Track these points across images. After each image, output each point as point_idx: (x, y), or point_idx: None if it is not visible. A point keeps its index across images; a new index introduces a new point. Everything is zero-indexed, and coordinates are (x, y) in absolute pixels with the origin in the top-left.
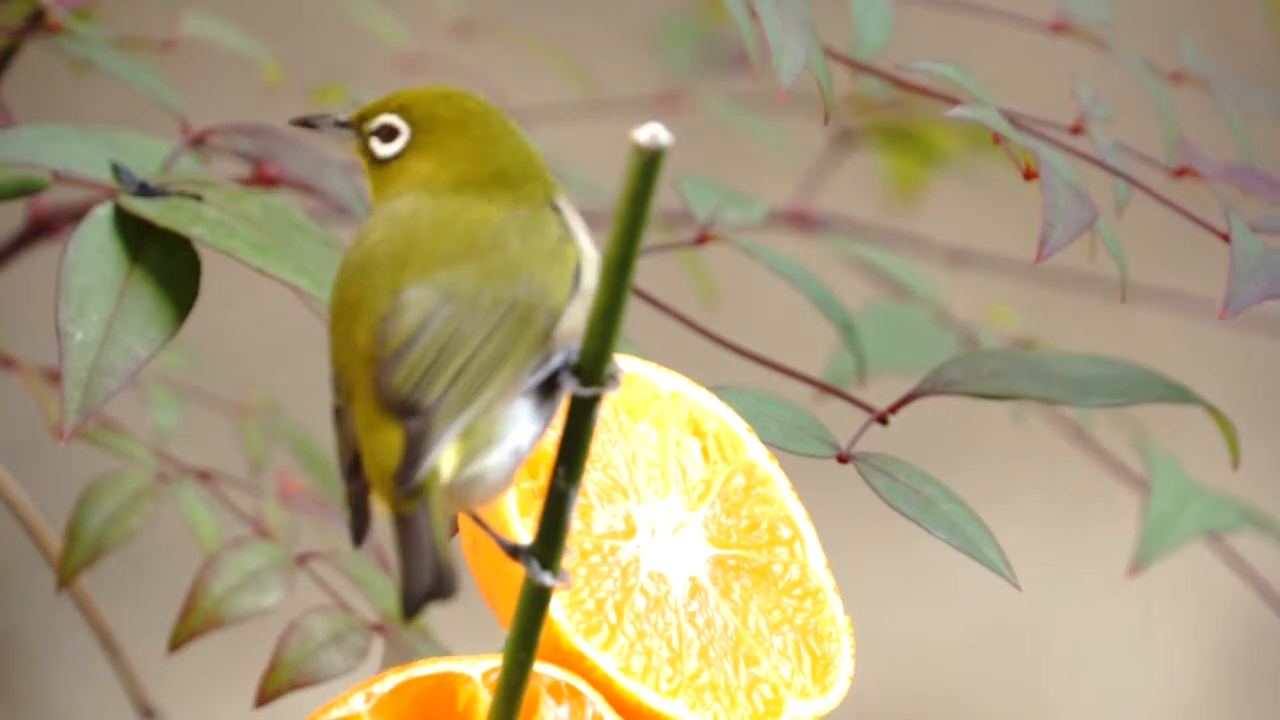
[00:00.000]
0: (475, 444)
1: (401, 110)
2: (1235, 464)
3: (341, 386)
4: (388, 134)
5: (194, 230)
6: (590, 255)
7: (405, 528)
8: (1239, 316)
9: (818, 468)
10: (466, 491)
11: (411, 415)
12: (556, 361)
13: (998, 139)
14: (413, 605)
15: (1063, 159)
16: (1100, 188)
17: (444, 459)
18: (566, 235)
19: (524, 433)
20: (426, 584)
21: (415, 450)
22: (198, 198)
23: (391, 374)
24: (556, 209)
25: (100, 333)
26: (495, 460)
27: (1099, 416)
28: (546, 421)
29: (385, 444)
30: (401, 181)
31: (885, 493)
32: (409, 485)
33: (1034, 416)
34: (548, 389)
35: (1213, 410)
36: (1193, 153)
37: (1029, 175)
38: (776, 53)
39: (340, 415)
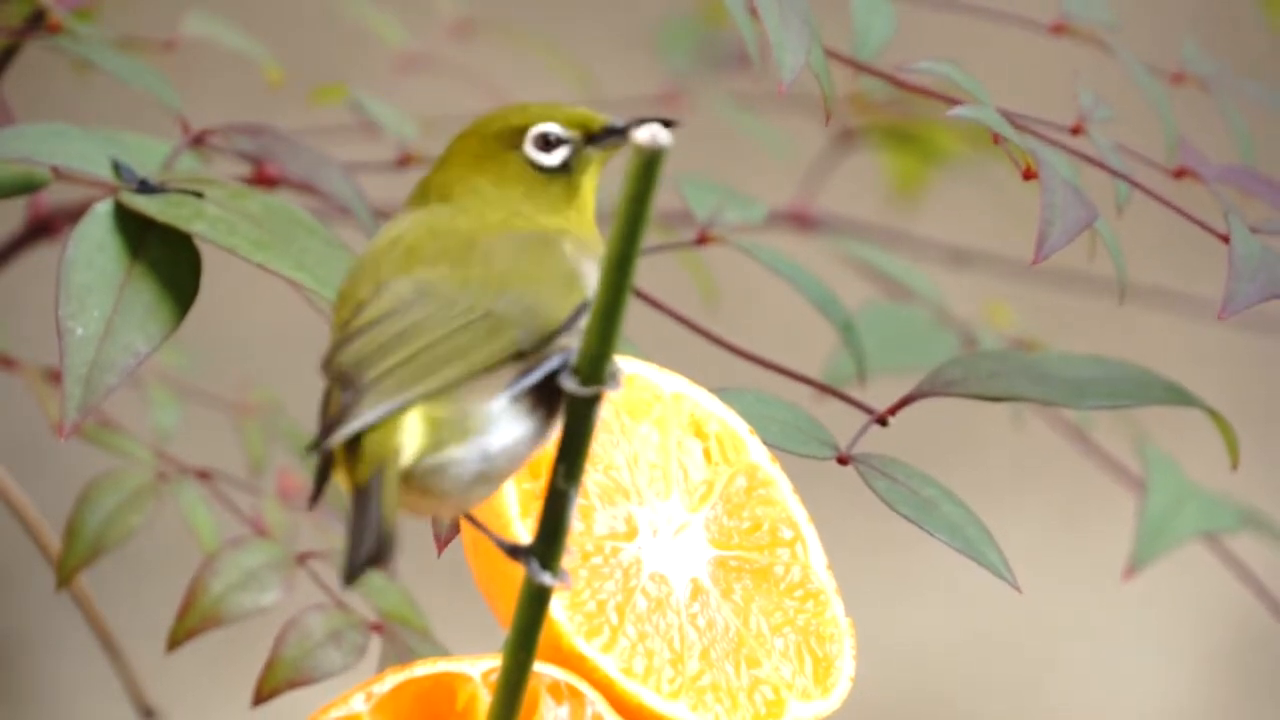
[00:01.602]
0: (444, 435)
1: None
2: (1234, 465)
3: (323, 370)
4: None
5: (195, 227)
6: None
7: (357, 498)
8: (1238, 317)
9: (819, 469)
10: (430, 481)
11: (347, 388)
12: (552, 363)
13: (997, 139)
14: (352, 571)
15: (1062, 159)
16: (1100, 189)
17: (408, 441)
18: (576, 273)
19: (500, 435)
20: (367, 551)
21: (338, 418)
22: (198, 195)
23: (343, 351)
24: (571, 248)
25: (101, 328)
26: (461, 455)
27: (1098, 418)
28: (537, 429)
29: (330, 414)
30: (423, 184)
31: (885, 494)
32: (323, 448)
33: (1033, 418)
34: (544, 397)
35: (1211, 412)
36: (1193, 154)
37: (1028, 175)
38: (777, 49)
39: (324, 396)
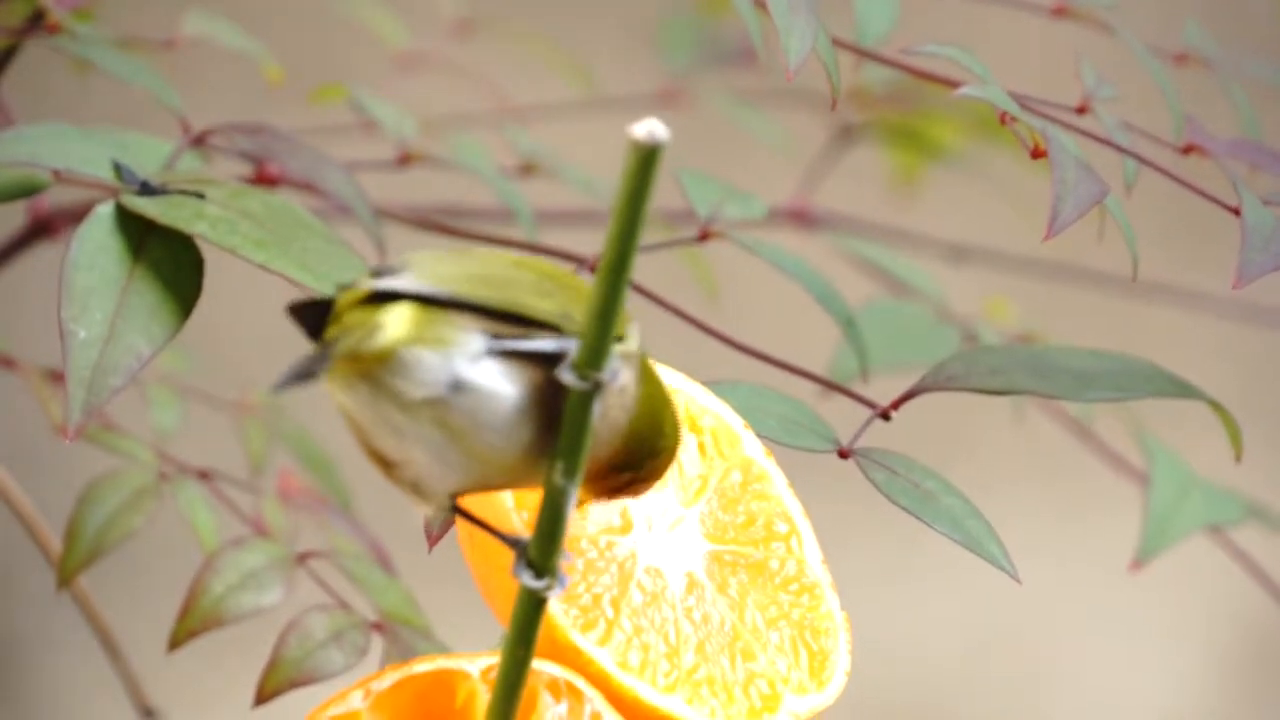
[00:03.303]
0: (426, 333)
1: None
2: (1238, 457)
3: None
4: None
5: (196, 228)
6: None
7: (321, 346)
8: (1242, 310)
9: (815, 464)
10: (393, 372)
11: (384, 271)
12: (546, 344)
13: (1004, 119)
14: (284, 380)
15: (1069, 138)
16: (1106, 170)
17: (390, 324)
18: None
19: (481, 374)
20: (302, 367)
21: (372, 274)
22: (200, 195)
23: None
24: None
25: (104, 331)
26: (431, 362)
27: (1101, 412)
28: (518, 406)
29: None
30: None
31: (885, 487)
32: (371, 285)
33: (1035, 412)
34: (546, 397)
35: (1214, 404)
36: (1199, 131)
37: (1037, 154)
38: (784, 34)
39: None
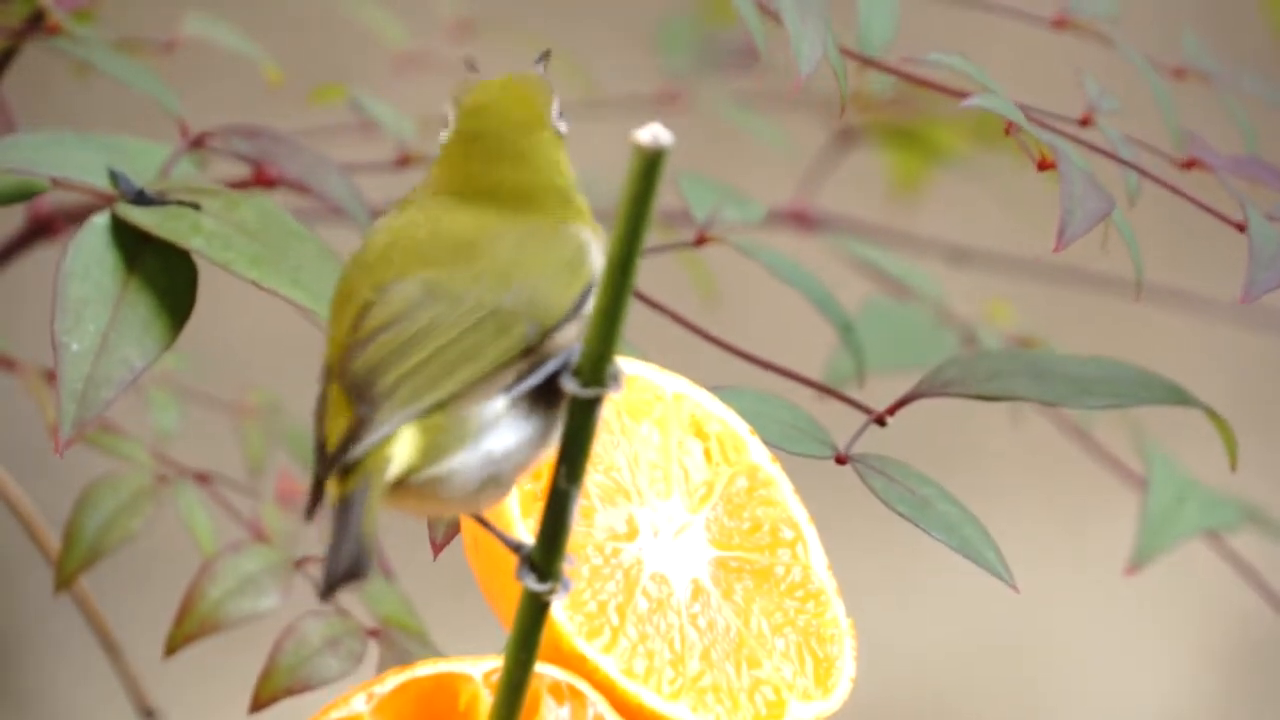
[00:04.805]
0: (442, 442)
1: (456, 104)
2: (1233, 466)
3: (324, 373)
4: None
5: (192, 242)
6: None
7: (340, 509)
8: (1243, 315)
9: (820, 469)
10: (431, 490)
11: (362, 399)
12: (553, 365)
13: (1010, 129)
14: (329, 585)
15: (1075, 150)
16: (1107, 181)
17: (398, 450)
18: (582, 258)
19: (502, 438)
20: (343, 567)
21: (355, 433)
22: (195, 206)
23: (355, 358)
24: (578, 234)
25: (96, 343)
26: (461, 462)
27: (1099, 417)
28: (540, 431)
29: (337, 426)
30: (425, 183)
31: (883, 493)
32: (339, 465)
33: (1034, 417)
34: (545, 397)
35: (1210, 413)
36: (1200, 145)
37: (1043, 165)
38: (796, 40)
39: (319, 400)
